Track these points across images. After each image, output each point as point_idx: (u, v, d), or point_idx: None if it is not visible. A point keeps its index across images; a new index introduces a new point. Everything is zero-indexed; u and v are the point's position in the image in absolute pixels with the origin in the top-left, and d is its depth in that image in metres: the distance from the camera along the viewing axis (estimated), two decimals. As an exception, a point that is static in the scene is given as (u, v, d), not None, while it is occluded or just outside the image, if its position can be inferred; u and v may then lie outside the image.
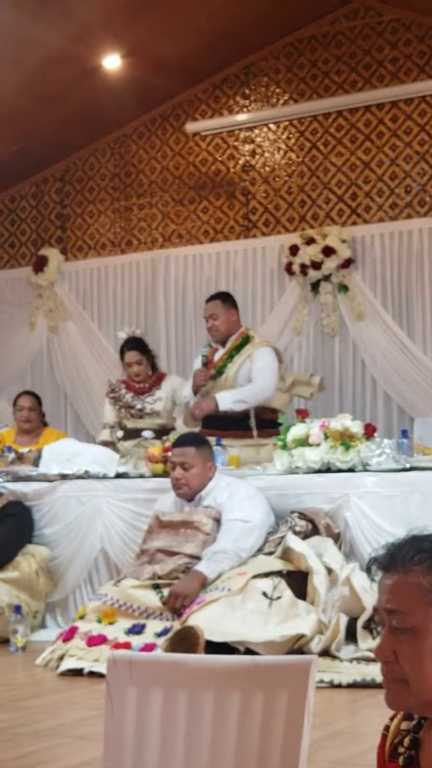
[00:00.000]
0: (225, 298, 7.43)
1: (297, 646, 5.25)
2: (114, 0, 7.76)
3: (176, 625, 5.32)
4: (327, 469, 6.11)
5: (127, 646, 5.39)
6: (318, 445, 6.12)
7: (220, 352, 7.27)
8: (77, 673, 5.36)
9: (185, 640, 4.95)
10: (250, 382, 7.11)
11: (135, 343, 7.83)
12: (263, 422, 7.11)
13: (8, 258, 10.15)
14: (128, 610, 5.64)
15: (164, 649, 5.06)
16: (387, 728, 1.82)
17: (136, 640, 5.45)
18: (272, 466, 6.43)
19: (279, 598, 5.42)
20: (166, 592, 5.62)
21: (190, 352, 8.78)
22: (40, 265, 9.76)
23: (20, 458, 7.31)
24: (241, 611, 5.33)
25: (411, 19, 8.40)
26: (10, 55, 7.93)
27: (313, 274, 8.54)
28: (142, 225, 9.51)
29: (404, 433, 6.46)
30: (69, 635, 5.66)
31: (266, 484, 6.22)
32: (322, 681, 4.94)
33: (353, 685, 4.99)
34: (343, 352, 8.58)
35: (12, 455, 7.33)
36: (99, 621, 5.63)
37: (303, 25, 8.73)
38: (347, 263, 8.46)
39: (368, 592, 5.33)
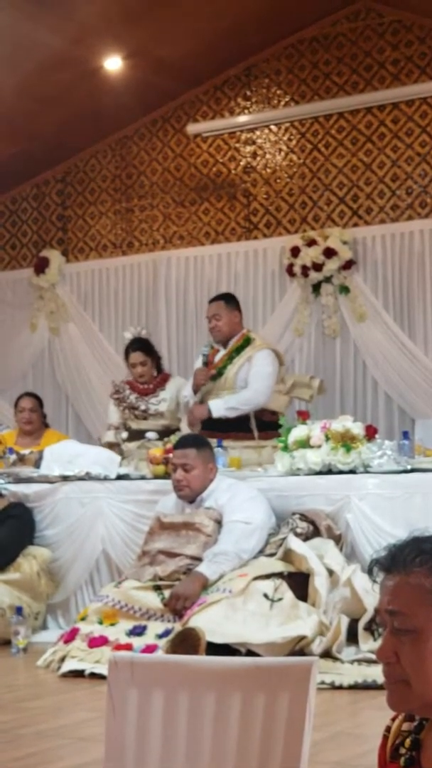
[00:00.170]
0: (228, 299, 7.43)
1: (298, 647, 5.25)
2: (115, 1, 7.77)
3: (177, 627, 5.32)
4: (328, 470, 6.11)
5: (128, 647, 5.39)
6: (319, 446, 6.11)
7: (221, 353, 7.27)
8: (78, 674, 5.36)
9: (186, 642, 4.95)
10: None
11: (140, 344, 7.79)
12: (263, 424, 7.12)
13: (9, 259, 10.16)
14: (129, 611, 5.64)
15: (165, 651, 5.06)
16: (388, 729, 1.82)
17: (138, 642, 5.45)
18: (273, 468, 6.42)
19: (280, 599, 5.42)
20: (167, 593, 5.62)
21: (191, 354, 8.78)
22: (41, 266, 9.77)
23: (21, 460, 7.31)
24: (243, 613, 5.33)
25: (412, 21, 8.41)
26: (11, 57, 7.93)
27: (315, 276, 8.55)
28: (143, 226, 9.51)
29: (405, 435, 6.46)
30: (70, 636, 5.66)
31: (267, 486, 6.21)
32: (323, 682, 4.93)
33: (354, 687, 4.99)
34: (344, 353, 8.59)
35: (13, 457, 7.33)
36: (100, 622, 5.63)
37: (304, 26, 8.74)
38: (348, 265, 8.46)
39: (369, 594, 5.33)
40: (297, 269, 8.61)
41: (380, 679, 1.76)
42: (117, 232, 9.64)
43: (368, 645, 5.29)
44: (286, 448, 6.27)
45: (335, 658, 5.26)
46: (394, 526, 5.72)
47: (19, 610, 6.14)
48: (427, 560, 1.70)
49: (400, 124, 8.47)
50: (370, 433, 6.17)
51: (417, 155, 8.41)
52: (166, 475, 6.50)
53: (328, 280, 8.54)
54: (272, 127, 8.96)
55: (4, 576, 6.49)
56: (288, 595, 5.45)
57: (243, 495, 6.02)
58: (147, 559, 5.93)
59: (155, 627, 5.54)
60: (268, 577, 5.56)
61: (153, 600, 5.65)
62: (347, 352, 8.58)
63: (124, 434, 7.61)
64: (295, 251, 8.61)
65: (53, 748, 4.11)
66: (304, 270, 8.56)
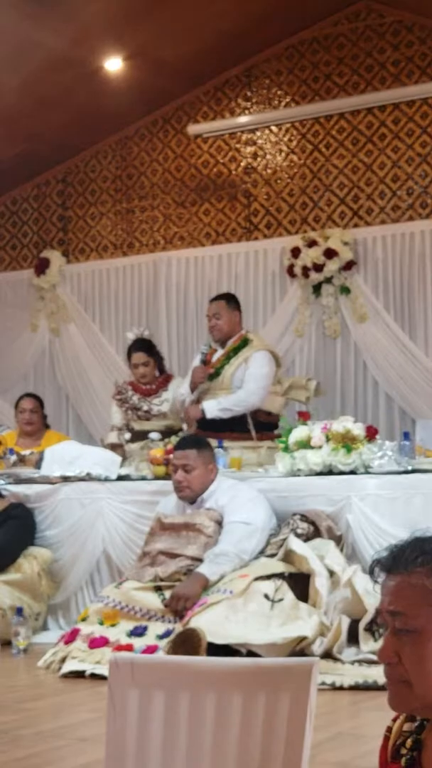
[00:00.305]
0: (229, 299, 7.43)
1: (299, 648, 5.25)
2: (115, 2, 7.77)
3: (178, 628, 5.31)
4: (329, 471, 6.11)
5: (129, 648, 5.39)
6: (320, 447, 6.12)
7: (219, 353, 7.27)
8: (79, 675, 5.36)
9: (187, 642, 4.95)
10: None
11: (142, 345, 7.78)
12: (259, 424, 7.12)
13: (10, 260, 10.16)
14: (130, 612, 5.64)
15: (166, 651, 5.07)
16: (389, 730, 1.82)
17: (138, 642, 5.44)
18: (274, 469, 6.42)
19: (281, 600, 5.42)
20: (167, 594, 5.62)
21: (192, 354, 8.76)
22: (41, 267, 9.77)
23: (22, 460, 7.31)
24: (243, 613, 5.33)
25: (413, 21, 8.41)
26: (12, 58, 7.94)
27: (315, 277, 8.54)
28: (144, 227, 9.51)
29: (406, 436, 6.46)
30: (71, 637, 5.65)
31: (268, 487, 6.21)
32: (323, 683, 4.93)
33: (355, 687, 4.99)
34: (344, 354, 8.58)
35: (14, 457, 7.33)
36: (101, 623, 5.63)
37: (304, 27, 8.74)
38: (349, 265, 8.46)
39: (370, 594, 5.33)
40: (297, 270, 8.61)
41: (381, 679, 1.76)
42: (117, 232, 9.64)
43: (369, 646, 5.29)
44: (286, 449, 6.27)
45: (336, 659, 5.26)
46: (395, 526, 5.73)
47: (19, 611, 6.14)
48: (428, 560, 1.70)
49: (400, 125, 8.47)
50: (371, 433, 6.17)
51: (417, 156, 8.41)
52: (166, 476, 6.50)
53: (328, 280, 8.53)
54: (273, 127, 8.96)
55: (4, 577, 6.49)
56: (289, 595, 5.45)
57: (244, 496, 6.02)
58: (147, 559, 5.93)
59: (156, 628, 5.54)
60: (268, 577, 5.56)
61: (154, 601, 5.65)
62: (348, 352, 8.57)
63: (127, 435, 7.61)
64: (295, 252, 8.61)
65: (54, 749, 4.11)
66: (305, 271, 8.56)
